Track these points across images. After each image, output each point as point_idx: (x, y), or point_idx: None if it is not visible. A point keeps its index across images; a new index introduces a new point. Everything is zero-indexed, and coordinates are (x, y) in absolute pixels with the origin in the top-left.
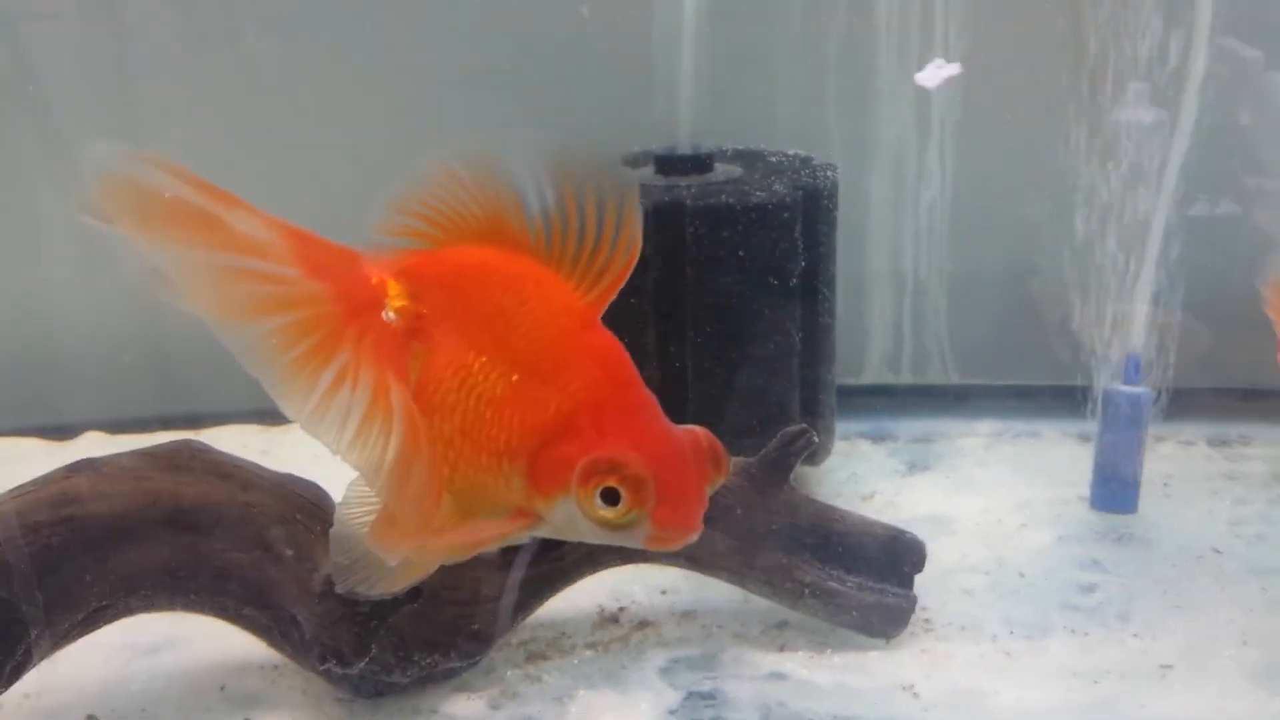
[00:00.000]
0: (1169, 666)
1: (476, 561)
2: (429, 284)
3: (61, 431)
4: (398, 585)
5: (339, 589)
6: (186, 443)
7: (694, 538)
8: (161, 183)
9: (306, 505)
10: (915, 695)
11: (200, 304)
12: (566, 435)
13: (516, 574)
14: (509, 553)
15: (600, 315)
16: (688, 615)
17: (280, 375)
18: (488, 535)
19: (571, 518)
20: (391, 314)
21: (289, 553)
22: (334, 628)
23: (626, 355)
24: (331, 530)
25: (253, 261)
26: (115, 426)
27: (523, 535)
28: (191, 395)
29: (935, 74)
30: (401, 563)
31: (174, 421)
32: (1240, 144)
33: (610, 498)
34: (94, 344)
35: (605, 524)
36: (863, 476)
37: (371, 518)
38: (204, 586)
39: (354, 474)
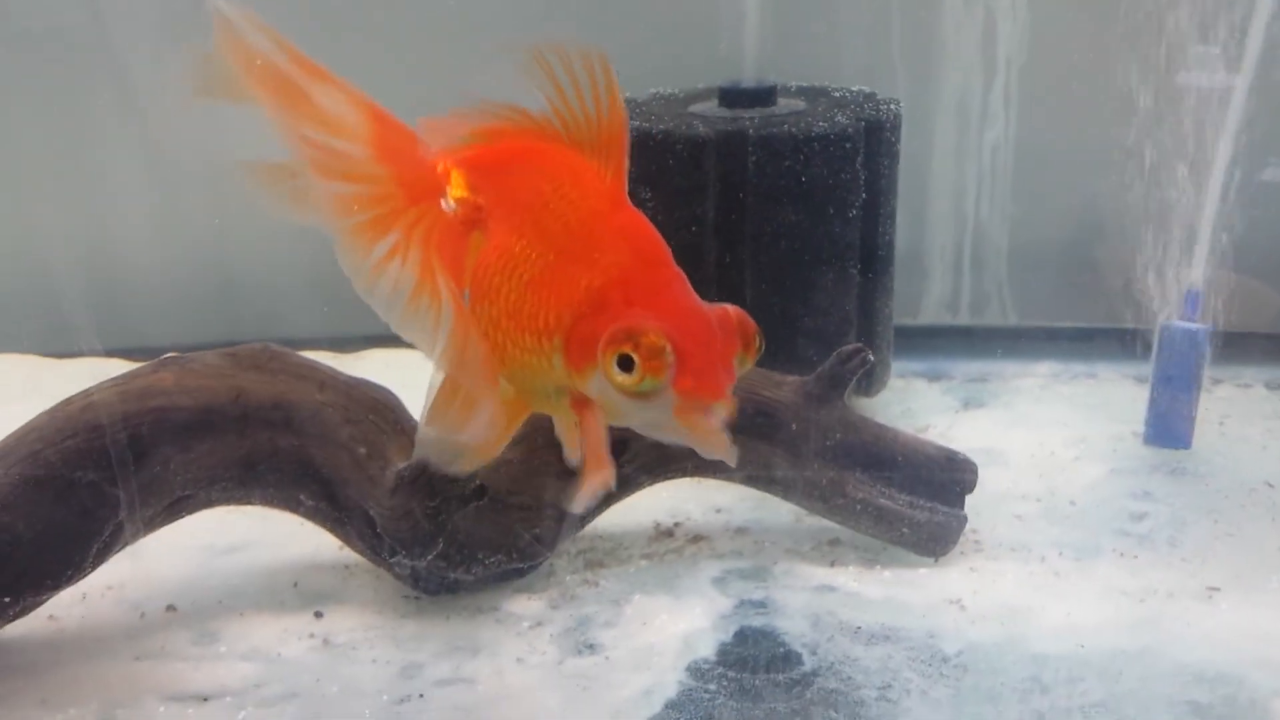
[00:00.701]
0: (1216, 589)
1: (539, 468)
2: (485, 175)
3: (143, 355)
4: (470, 464)
5: (416, 453)
6: (265, 346)
7: (722, 411)
8: (264, 46)
9: (378, 406)
10: (963, 609)
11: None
12: (596, 310)
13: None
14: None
15: (625, 191)
16: (741, 531)
17: (341, 239)
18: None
19: (604, 389)
20: (451, 203)
21: (361, 450)
22: (403, 521)
23: (655, 232)
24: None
25: (329, 137)
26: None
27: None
28: (263, 326)
29: None
30: (473, 440)
31: None
32: None
33: (626, 364)
34: (168, 279)
35: (625, 391)
36: (917, 411)
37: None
38: (280, 480)
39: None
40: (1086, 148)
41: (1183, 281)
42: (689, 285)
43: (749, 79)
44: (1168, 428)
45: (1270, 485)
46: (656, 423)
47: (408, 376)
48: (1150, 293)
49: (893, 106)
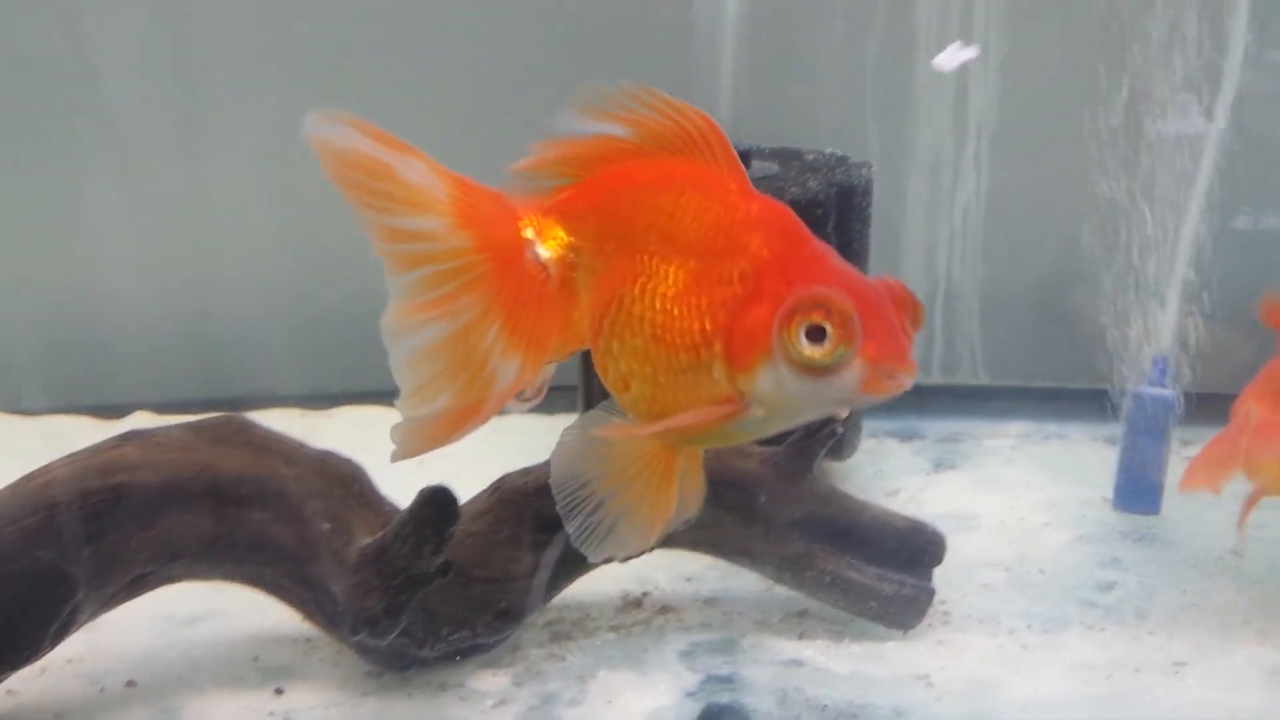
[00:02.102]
0: (1183, 663)
1: (505, 540)
2: (581, 215)
3: (111, 411)
4: (648, 538)
5: (592, 559)
6: (231, 417)
7: (909, 381)
8: (351, 142)
9: (344, 480)
10: (930, 685)
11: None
12: (754, 298)
13: (545, 553)
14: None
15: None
16: (710, 602)
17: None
18: (688, 424)
19: (778, 381)
20: (543, 252)
21: (326, 525)
22: (366, 599)
23: (794, 214)
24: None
25: (409, 217)
26: (163, 409)
27: (741, 429)
28: (237, 379)
29: (953, 57)
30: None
31: (219, 405)
32: None
33: (816, 336)
34: (143, 328)
35: (813, 367)
36: (888, 473)
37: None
38: (244, 556)
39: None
40: (1057, 209)
41: (1152, 346)
42: (841, 258)
43: None
44: (1136, 493)
45: (1237, 554)
46: (828, 402)
47: (376, 436)
48: (1119, 356)
49: (864, 171)
